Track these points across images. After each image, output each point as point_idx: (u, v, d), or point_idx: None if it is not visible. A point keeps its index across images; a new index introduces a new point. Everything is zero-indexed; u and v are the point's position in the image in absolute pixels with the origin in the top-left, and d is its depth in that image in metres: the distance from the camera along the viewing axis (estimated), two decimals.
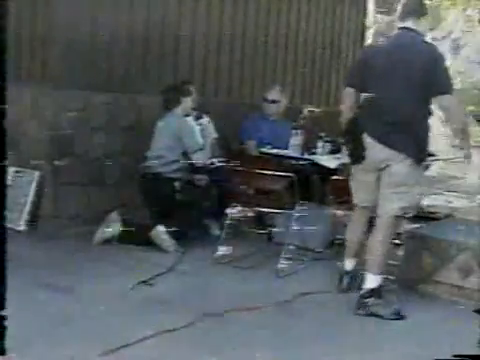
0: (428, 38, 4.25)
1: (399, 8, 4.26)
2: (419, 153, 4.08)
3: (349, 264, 4.48)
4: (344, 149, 4.78)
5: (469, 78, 21.34)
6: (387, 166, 4.06)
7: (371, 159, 4.10)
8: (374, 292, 4.07)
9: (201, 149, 5.46)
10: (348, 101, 4.30)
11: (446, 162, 8.15)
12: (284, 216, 5.10)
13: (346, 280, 4.46)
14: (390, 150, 4.02)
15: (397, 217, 4.13)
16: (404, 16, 4.16)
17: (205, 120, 5.61)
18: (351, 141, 4.24)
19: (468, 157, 4.12)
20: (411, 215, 4.23)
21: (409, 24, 4.13)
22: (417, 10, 4.18)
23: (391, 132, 4.03)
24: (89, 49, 5.63)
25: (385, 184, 4.10)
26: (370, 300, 4.04)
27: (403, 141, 4.01)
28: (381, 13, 17.19)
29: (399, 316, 4.03)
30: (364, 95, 4.26)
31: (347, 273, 4.48)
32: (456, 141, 4.08)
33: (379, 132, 4.05)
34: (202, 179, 5.51)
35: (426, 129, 4.13)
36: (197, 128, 5.55)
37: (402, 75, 4.02)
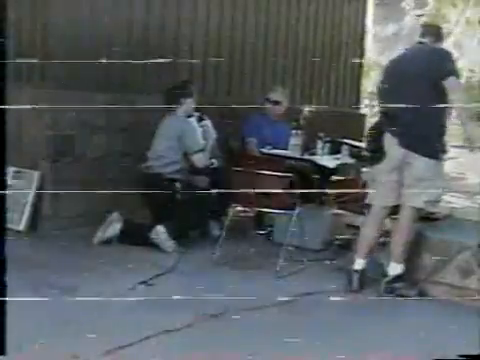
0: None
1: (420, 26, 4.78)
2: (434, 151, 4.34)
3: (359, 264, 4.52)
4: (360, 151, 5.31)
5: (469, 77, 21.35)
6: (407, 163, 4.33)
7: (392, 158, 4.40)
8: (399, 277, 4.41)
9: (201, 150, 5.46)
10: None
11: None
12: (284, 216, 5.10)
13: (356, 280, 4.49)
14: (406, 150, 4.32)
15: (419, 210, 4.41)
16: (422, 33, 4.52)
17: (207, 122, 5.61)
18: (373, 142, 4.61)
19: (472, 141, 4.23)
20: (433, 209, 4.65)
21: (424, 40, 4.47)
22: (434, 34, 4.52)
23: (407, 134, 4.33)
24: (89, 49, 5.62)
25: (407, 180, 4.37)
26: (397, 284, 4.40)
27: (418, 142, 4.30)
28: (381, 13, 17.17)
29: (421, 294, 4.41)
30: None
31: (357, 272, 4.50)
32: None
33: (398, 134, 4.35)
34: (202, 180, 5.51)
35: (440, 127, 4.37)
36: (199, 130, 5.55)
37: (412, 80, 4.30)
